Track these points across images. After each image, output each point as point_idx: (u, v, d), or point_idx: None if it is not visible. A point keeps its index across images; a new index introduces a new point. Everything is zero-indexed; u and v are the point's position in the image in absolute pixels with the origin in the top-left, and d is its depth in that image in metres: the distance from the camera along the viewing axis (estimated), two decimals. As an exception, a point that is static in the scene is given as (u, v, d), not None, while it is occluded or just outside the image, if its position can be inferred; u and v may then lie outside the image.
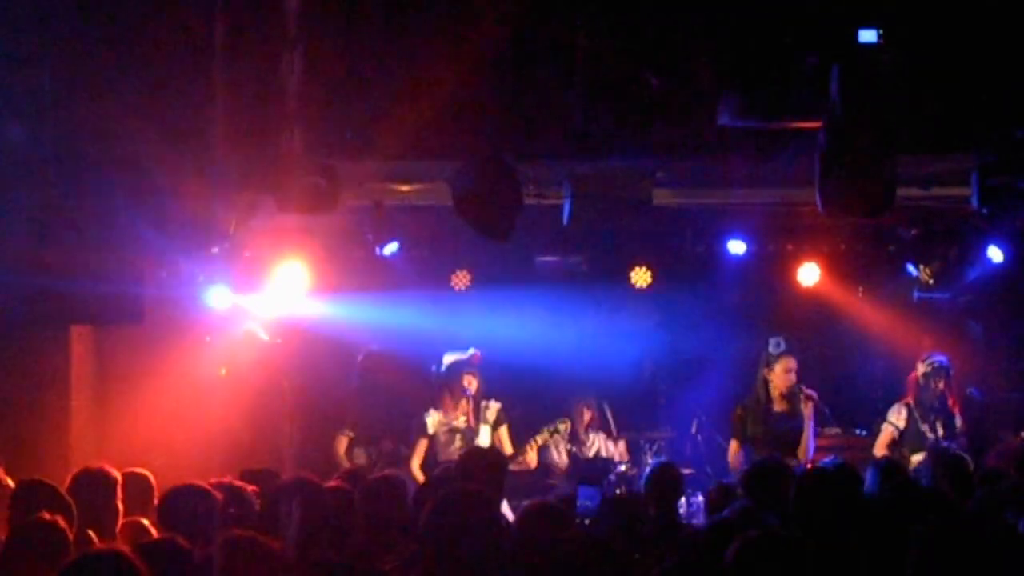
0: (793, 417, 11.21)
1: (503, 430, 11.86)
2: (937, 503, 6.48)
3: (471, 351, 12.08)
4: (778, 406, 11.29)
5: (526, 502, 7.37)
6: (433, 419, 11.69)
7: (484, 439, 11.62)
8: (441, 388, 11.94)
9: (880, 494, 7.07)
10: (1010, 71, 9.78)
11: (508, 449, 11.67)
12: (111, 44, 9.37)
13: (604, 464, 12.68)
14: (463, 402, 11.72)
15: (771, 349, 11.38)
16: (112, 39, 9.37)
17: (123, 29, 9.45)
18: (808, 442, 11.13)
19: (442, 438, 11.62)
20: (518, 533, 6.47)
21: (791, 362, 11.33)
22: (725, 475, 11.36)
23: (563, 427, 12.19)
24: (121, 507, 7.48)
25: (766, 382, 11.39)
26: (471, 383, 11.77)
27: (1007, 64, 9.78)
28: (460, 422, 11.69)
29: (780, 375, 11.29)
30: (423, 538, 5.91)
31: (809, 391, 11.26)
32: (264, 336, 13.12)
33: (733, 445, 11.47)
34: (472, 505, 5.86)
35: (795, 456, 10.98)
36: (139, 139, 9.55)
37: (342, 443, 12.14)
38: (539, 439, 12.00)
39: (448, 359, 12.10)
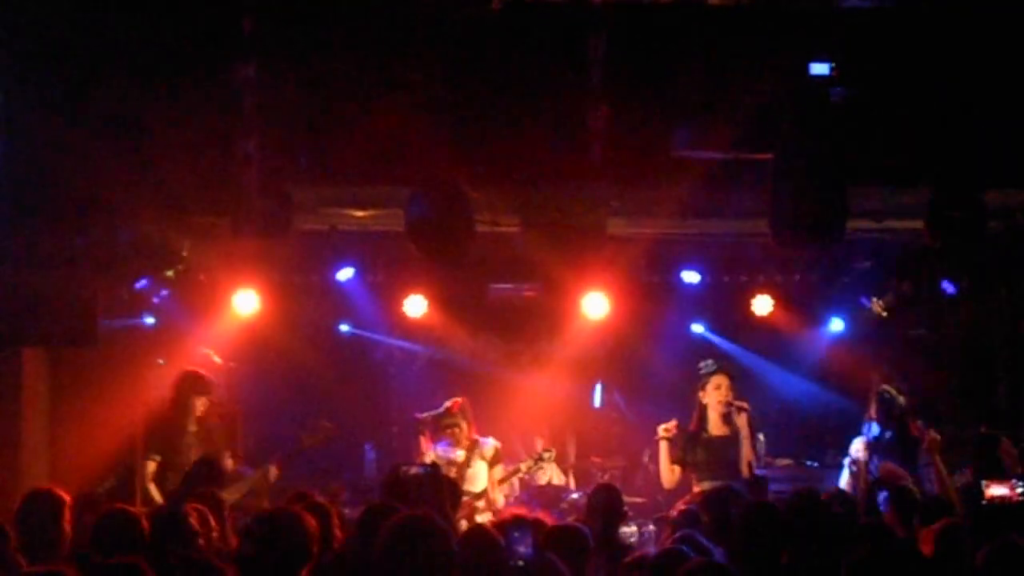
0: (733, 439, 11.16)
1: (498, 469, 11.85)
2: (874, 533, 6.53)
3: (448, 403, 11.99)
4: (716, 430, 11.24)
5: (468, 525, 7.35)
6: (434, 453, 11.66)
7: (481, 475, 11.62)
8: (437, 427, 11.88)
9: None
10: (963, 105, 9.88)
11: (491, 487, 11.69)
12: (66, 67, 9.36)
13: (555, 492, 12.68)
14: (462, 439, 11.72)
15: (702, 370, 11.37)
16: (67, 62, 9.37)
17: (80, 52, 9.45)
18: (750, 457, 11.09)
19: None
20: (461, 557, 6.46)
21: (721, 379, 11.28)
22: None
23: (548, 455, 12.22)
24: (68, 529, 7.45)
25: (703, 406, 11.36)
26: (462, 428, 11.77)
27: (960, 98, 9.88)
28: (459, 456, 11.67)
29: (712, 393, 11.25)
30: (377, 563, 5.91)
31: (740, 403, 11.22)
32: (217, 359, 13.08)
33: (672, 468, 11.32)
34: (428, 531, 5.88)
35: (739, 479, 10.96)
36: (94, 161, 9.55)
37: (150, 467, 11.82)
38: (523, 467, 12.04)
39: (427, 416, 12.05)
